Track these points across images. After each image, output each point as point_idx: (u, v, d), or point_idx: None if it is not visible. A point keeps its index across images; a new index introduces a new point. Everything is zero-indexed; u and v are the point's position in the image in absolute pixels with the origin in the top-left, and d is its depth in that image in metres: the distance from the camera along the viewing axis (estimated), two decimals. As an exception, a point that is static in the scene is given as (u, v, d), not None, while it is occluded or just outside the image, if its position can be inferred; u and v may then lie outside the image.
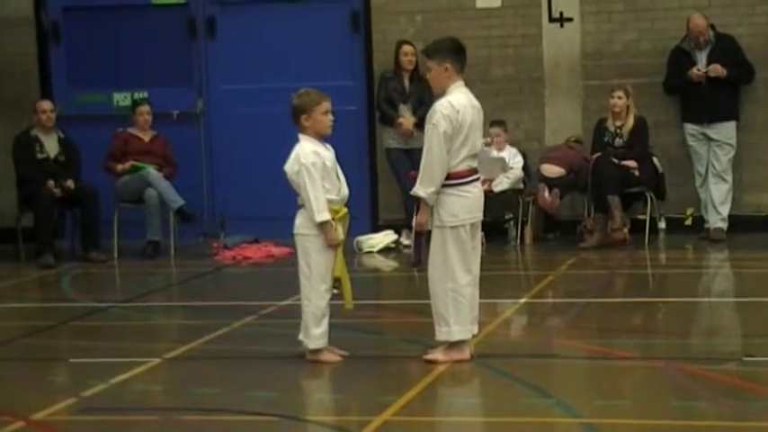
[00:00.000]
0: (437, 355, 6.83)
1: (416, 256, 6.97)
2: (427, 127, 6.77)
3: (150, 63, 12.93)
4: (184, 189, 12.05)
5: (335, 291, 7.00)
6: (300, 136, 7.00)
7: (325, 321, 6.96)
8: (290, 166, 6.95)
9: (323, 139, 7.02)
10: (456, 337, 6.77)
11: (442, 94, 6.82)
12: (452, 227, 6.74)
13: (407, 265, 7.07)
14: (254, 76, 12.67)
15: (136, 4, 12.94)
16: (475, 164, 6.85)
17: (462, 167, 6.76)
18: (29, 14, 13.11)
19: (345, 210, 7.03)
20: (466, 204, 6.77)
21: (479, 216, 6.88)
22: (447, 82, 6.81)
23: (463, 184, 6.76)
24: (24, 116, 12.31)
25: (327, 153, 7.00)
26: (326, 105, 7.00)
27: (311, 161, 6.88)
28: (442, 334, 6.82)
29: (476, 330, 6.96)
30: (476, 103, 6.88)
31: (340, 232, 6.96)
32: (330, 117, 7.01)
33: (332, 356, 7.00)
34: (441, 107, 6.74)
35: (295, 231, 7.00)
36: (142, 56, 12.94)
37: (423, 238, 6.90)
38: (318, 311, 6.93)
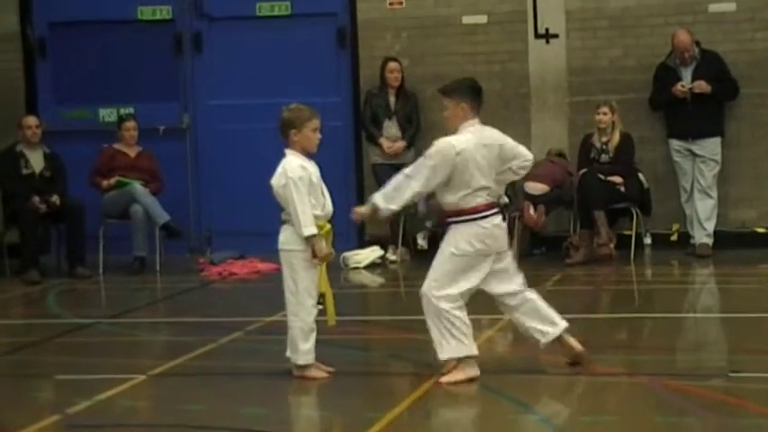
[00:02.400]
0: (457, 375, 6.76)
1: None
2: (423, 155, 6.86)
3: (136, 78, 12.93)
4: (170, 204, 12.04)
5: (320, 306, 7.00)
6: (287, 151, 7.01)
7: (313, 337, 6.95)
8: (276, 180, 6.96)
9: (309, 156, 7.04)
10: (454, 354, 6.77)
11: (455, 132, 6.90)
12: (453, 254, 6.78)
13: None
14: (241, 92, 12.68)
15: (122, 20, 12.93)
16: (491, 198, 6.88)
17: (475, 203, 6.80)
18: (15, 30, 13.10)
19: (329, 226, 7.03)
20: (473, 237, 6.79)
21: (495, 247, 6.86)
22: (461, 121, 6.89)
23: (472, 220, 6.80)
24: (10, 132, 12.28)
25: (313, 169, 7.02)
26: (317, 123, 7.03)
27: (298, 175, 6.89)
28: (442, 352, 6.81)
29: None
30: (489, 141, 6.90)
31: (327, 247, 6.96)
32: (318, 135, 7.03)
33: (319, 373, 6.99)
34: (440, 143, 6.84)
35: (280, 247, 7.01)
36: (128, 71, 12.94)
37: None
38: (306, 327, 6.92)
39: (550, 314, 7.00)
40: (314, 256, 6.89)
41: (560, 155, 12.10)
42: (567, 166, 11.98)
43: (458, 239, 6.79)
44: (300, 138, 6.97)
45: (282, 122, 7.02)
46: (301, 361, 6.95)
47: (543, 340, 6.99)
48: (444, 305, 6.74)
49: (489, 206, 6.86)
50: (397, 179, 6.87)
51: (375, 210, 6.89)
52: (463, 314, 6.78)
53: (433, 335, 6.80)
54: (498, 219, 6.90)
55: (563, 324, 6.99)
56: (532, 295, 7.00)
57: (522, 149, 7.08)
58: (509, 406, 6.36)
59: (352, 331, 8.39)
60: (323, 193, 7.04)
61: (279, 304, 7.25)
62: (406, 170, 6.90)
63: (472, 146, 6.81)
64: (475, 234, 6.78)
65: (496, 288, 6.92)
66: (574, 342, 7.01)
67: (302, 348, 6.93)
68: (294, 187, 6.85)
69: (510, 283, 6.94)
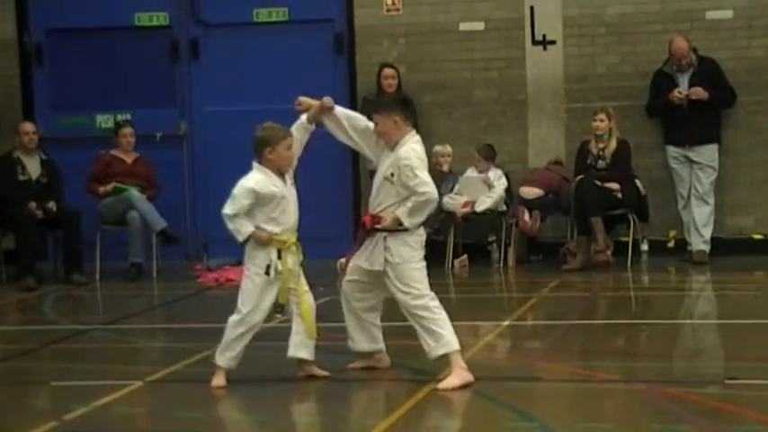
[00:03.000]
0: (450, 382, 6.78)
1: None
2: (409, 173, 6.85)
3: (133, 85, 12.94)
4: (167, 211, 12.04)
5: (279, 314, 7.05)
6: (255, 165, 7.05)
7: (239, 349, 6.98)
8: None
9: (280, 174, 7.06)
10: (451, 348, 6.82)
11: (395, 146, 6.97)
12: (411, 260, 6.92)
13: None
14: (238, 98, 12.68)
15: (119, 26, 12.94)
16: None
17: None
18: (12, 37, 13.11)
19: (294, 239, 7.04)
20: (421, 243, 7.02)
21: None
22: (398, 134, 6.99)
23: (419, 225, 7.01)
24: (6, 138, 12.29)
25: (279, 183, 7.03)
26: (290, 141, 7.09)
27: (249, 186, 6.97)
28: (436, 350, 6.86)
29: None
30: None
31: (290, 262, 6.96)
32: (291, 154, 7.08)
33: (218, 382, 6.97)
34: (412, 153, 6.92)
35: (245, 257, 7.14)
36: (125, 78, 12.94)
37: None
38: (233, 336, 6.98)
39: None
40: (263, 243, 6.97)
41: (558, 163, 12.12)
42: (564, 172, 11.99)
43: (406, 250, 6.92)
44: (275, 156, 7.03)
45: (257, 141, 7.08)
46: (218, 362, 7.04)
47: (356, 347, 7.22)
48: (427, 314, 6.87)
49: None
50: (417, 199, 6.89)
51: (400, 224, 6.94)
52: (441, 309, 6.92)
53: (421, 337, 6.88)
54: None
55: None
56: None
57: None
58: (506, 413, 6.35)
59: (346, 338, 8.38)
60: (285, 209, 7.03)
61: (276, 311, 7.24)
62: (414, 186, 6.88)
63: (424, 154, 7.02)
64: (419, 241, 6.99)
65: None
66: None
67: (227, 354, 7.01)
68: (231, 200, 6.98)
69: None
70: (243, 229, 6.98)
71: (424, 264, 7.02)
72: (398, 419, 6.21)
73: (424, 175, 6.89)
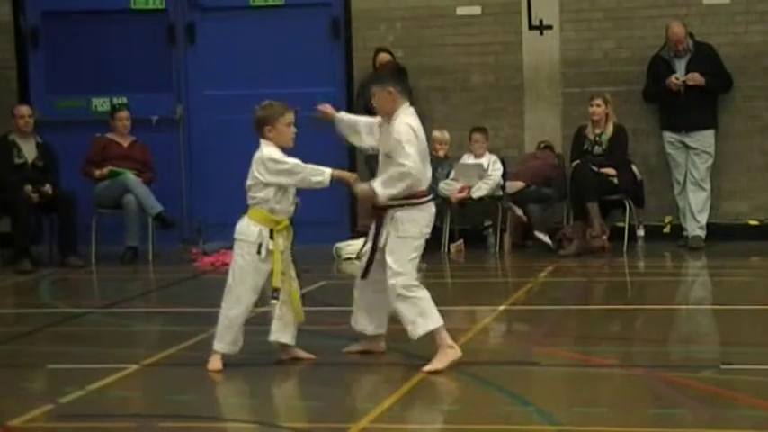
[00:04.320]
0: (435, 364, 6.78)
1: (364, 272, 7.08)
2: (397, 146, 6.81)
3: (129, 69, 12.91)
4: (163, 195, 12.03)
5: (274, 300, 7.01)
6: (262, 141, 7.02)
7: (234, 332, 6.96)
8: (257, 169, 6.98)
9: (286, 150, 7.05)
10: (433, 325, 6.81)
11: (389, 117, 6.94)
12: (413, 237, 6.86)
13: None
14: (234, 83, 12.66)
15: (115, 10, 12.91)
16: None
17: (424, 186, 6.93)
18: (8, 19, 13.07)
19: (287, 222, 7.04)
20: (429, 220, 6.94)
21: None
22: (393, 105, 6.96)
23: (425, 202, 6.94)
24: (2, 121, 12.26)
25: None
26: (290, 117, 7.04)
27: (279, 155, 6.93)
28: (416, 329, 6.85)
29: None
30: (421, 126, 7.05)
31: (283, 243, 6.95)
32: (293, 129, 7.04)
33: (214, 365, 6.96)
34: (403, 126, 6.85)
35: (235, 236, 7.09)
36: (121, 61, 12.91)
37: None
38: (227, 321, 6.96)
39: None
40: (347, 184, 7.04)
41: (548, 147, 12.07)
42: (550, 158, 11.95)
43: (411, 225, 6.85)
44: (275, 134, 7.00)
45: (256, 120, 7.05)
46: (216, 347, 7.01)
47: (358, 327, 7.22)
48: (411, 293, 6.83)
49: (428, 192, 7.00)
50: (396, 168, 6.81)
51: (373, 196, 6.87)
52: (422, 288, 6.88)
53: (404, 317, 6.86)
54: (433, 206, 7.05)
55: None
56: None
57: None
58: (502, 397, 6.36)
59: (343, 321, 8.38)
60: (287, 190, 7.04)
61: (269, 295, 7.24)
62: (400, 158, 6.81)
63: (419, 128, 6.95)
64: (425, 218, 6.92)
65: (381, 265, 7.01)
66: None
67: (225, 338, 6.99)
68: (280, 161, 6.90)
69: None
70: (320, 173, 6.89)
71: (421, 245, 6.95)
72: (394, 403, 6.22)
73: (411, 150, 6.80)
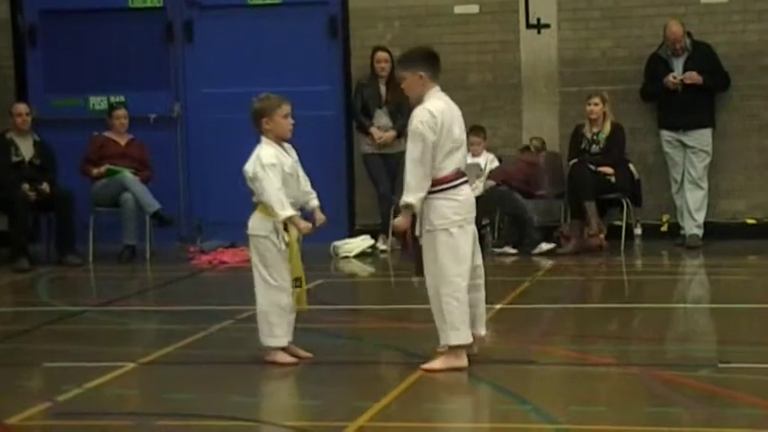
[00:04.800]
0: (435, 363, 6.77)
1: (417, 267, 6.90)
2: (409, 135, 6.76)
3: (127, 67, 12.90)
4: (161, 193, 12.02)
5: (296, 289, 7.00)
6: (262, 139, 7.03)
7: (284, 321, 6.95)
8: (250, 167, 7.00)
9: (284, 142, 7.06)
10: (452, 341, 6.74)
11: (419, 102, 6.82)
12: (443, 229, 6.71)
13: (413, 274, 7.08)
14: (232, 81, 12.64)
15: (113, 8, 12.90)
16: (461, 166, 6.83)
17: (448, 171, 6.73)
18: (5, 17, 13.06)
19: (297, 213, 7.05)
20: (453, 206, 6.73)
21: (470, 217, 6.83)
22: (422, 89, 6.81)
23: (451, 188, 6.74)
24: None
25: (288, 159, 7.04)
26: (287, 109, 7.05)
27: (270, 162, 6.93)
28: (441, 338, 6.79)
29: (483, 332, 6.95)
30: (454, 106, 6.88)
31: (293, 232, 6.96)
32: (290, 121, 7.05)
33: (287, 358, 7.00)
34: (420, 115, 6.72)
35: (248, 232, 7.06)
36: (119, 59, 12.91)
37: (417, 246, 6.84)
38: (275, 311, 6.95)
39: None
40: (299, 232, 6.94)
41: (531, 148, 11.95)
42: (530, 158, 11.87)
43: (436, 215, 6.70)
44: (273, 125, 7.01)
45: (253, 113, 7.07)
46: (278, 343, 6.98)
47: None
48: (450, 299, 6.70)
49: (459, 174, 6.80)
50: (408, 169, 6.73)
51: (411, 210, 6.75)
52: (463, 298, 6.72)
53: (437, 321, 6.77)
54: (467, 188, 6.84)
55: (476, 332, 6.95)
56: (482, 292, 6.98)
57: None
58: (499, 396, 6.36)
59: (341, 320, 8.40)
60: (298, 182, 7.06)
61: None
62: (407, 156, 6.77)
63: (447, 110, 6.78)
64: (451, 206, 6.72)
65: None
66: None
67: (277, 332, 6.97)
68: (265, 174, 6.89)
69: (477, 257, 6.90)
70: (283, 208, 6.88)
71: (456, 235, 6.70)
72: (391, 402, 6.22)
73: (417, 143, 6.65)
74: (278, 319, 6.96)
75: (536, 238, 11.52)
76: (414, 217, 6.79)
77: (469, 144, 11.90)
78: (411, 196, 6.69)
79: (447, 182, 6.73)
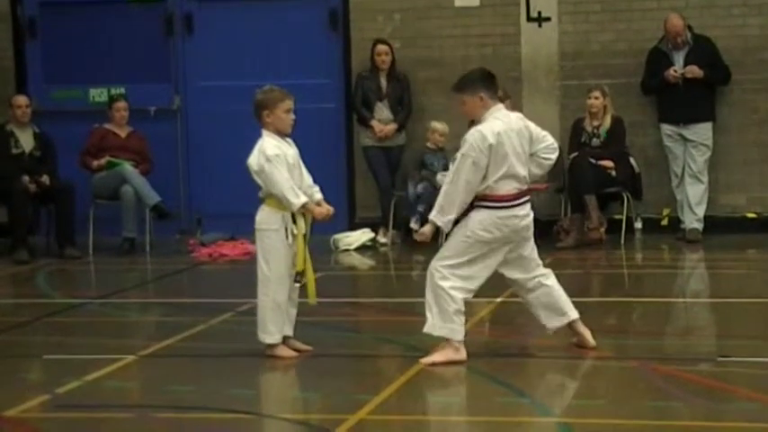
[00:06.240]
0: (434, 357, 6.77)
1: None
2: (458, 155, 6.78)
3: (127, 59, 12.89)
4: (161, 186, 12.02)
5: (297, 284, 7.01)
6: (264, 131, 7.03)
7: (277, 318, 6.95)
8: (254, 160, 6.98)
9: (285, 136, 7.06)
10: (436, 332, 6.75)
11: (480, 121, 6.84)
12: (473, 233, 6.72)
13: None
14: (232, 73, 12.64)
15: (113, 0, 12.88)
16: (522, 187, 6.81)
17: (504, 190, 6.73)
18: (5, 10, 13.05)
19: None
20: (495, 225, 6.73)
21: (515, 237, 6.80)
22: (483, 111, 6.84)
23: (502, 207, 6.73)
24: (0, 111, 12.25)
25: (290, 150, 7.03)
26: (289, 104, 7.04)
27: (274, 153, 6.93)
28: (426, 326, 6.80)
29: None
30: (517, 125, 6.87)
31: (306, 225, 6.96)
32: (292, 116, 7.05)
33: (288, 352, 7.00)
34: (471, 137, 6.74)
35: (256, 227, 7.05)
36: (119, 52, 12.89)
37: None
38: (276, 306, 6.95)
39: (561, 305, 6.98)
40: (313, 220, 6.97)
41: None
42: None
43: (476, 224, 6.73)
44: (273, 119, 7.00)
45: (255, 104, 7.06)
46: (269, 340, 6.99)
47: (549, 326, 7.03)
48: (444, 283, 6.72)
49: (518, 195, 6.78)
50: (444, 189, 6.76)
51: (437, 227, 6.81)
52: (460, 297, 6.74)
53: (426, 307, 6.79)
54: (526, 208, 6.82)
55: (573, 315, 6.99)
56: (550, 282, 6.97)
57: (545, 133, 7.04)
58: (499, 389, 6.37)
59: (341, 313, 8.40)
60: (301, 175, 7.07)
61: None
62: (447, 176, 6.80)
63: (504, 132, 6.76)
64: (493, 221, 6.72)
65: (511, 273, 6.92)
66: (584, 331, 7.02)
67: (270, 328, 6.97)
68: (272, 165, 6.88)
69: (526, 272, 6.91)
70: (296, 195, 6.88)
71: (471, 246, 6.73)
72: (391, 395, 6.22)
73: (462, 165, 6.65)
74: (272, 315, 6.95)
75: None
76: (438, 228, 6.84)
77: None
78: (440, 218, 6.73)
79: (503, 201, 6.73)
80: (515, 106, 12.32)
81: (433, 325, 6.77)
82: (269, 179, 6.91)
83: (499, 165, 6.71)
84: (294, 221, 6.95)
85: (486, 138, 6.70)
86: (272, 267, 6.96)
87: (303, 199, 6.91)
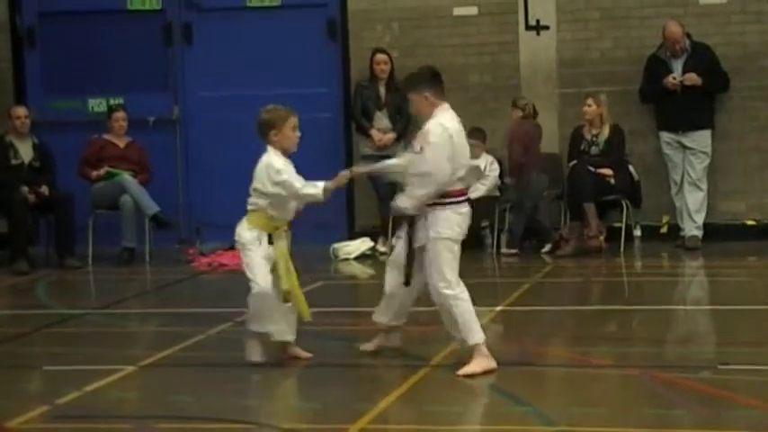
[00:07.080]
0: (472, 367, 6.75)
1: (406, 277, 7.00)
2: (424, 146, 6.78)
3: (126, 69, 12.90)
4: (160, 195, 12.02)
5: (288, 303, 7.04)
6: (269, 148, 7.03)
7: (265, 311, 6.98)
8: (264, 179, 6.98)
9: (287, 155, 7.07)
10: (473, 340, 6.78)
11: (429, 119, 6.91)
12: (449, 238, 6.79)
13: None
14: (231, 83, 12.65)
15: (112, 10, 12.90)
16: (465, 182, 6.95)
17: (458, 186, 6.85)
18: (4, 20, 13.06)
19: (285, 226, 7.08)
20: (458, 220, 6.84)
21: (464, 233, 6.94)
22: (431, 109, 6.92)
23: (459, 202, 6.85)
24: (-1, 122, 12.26)
25: (292, 167, 7.05)
26: (295, 121, 7.06)
27: (284, 162, 6.97)
28: (459, 342, 6.84)
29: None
30: (459, 125, 6.97)
31: (283, 245, 6.99)
32: (298, 133, 7.05)
33: (259, 351, 7.03)
34: (434, 128, 6.80)
35: (236, 239, 7.10)
36: (118, 62, 12.90)
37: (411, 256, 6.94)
38: (256, 307, 6.99)
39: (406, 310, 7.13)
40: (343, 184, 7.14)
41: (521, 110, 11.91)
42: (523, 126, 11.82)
43: (444, 225, 6.79)
44: (281, 137, 7.01)
45: (261, 124, 7.05)
46: (250, 326, 7.06)
47: (376, 319, 7.21)
48: (450, 292, 6.78)
49: (465, 191, 6.93)
50: (420, 171, 6.80)
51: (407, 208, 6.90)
52: (466, 294, 6.83)
53: (449, 328, 6.83)
54: (468, 206, 6.95)
55: (400, 322, 7.17)
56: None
57: None
58: (499, 398, 6.36)
59: (341, 322, 8.40)
60: (286, 203, 7.08)
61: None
62: (421, 164, 6.80)
63: (457, 126, 6.90)
64: (456, 220, 6.82)
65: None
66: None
67: (258, 322, 7.03)
68: (284, 177, 6.91)
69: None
70: (313, 186, 6.93)
71: (458, 248, 6.86)
72: (392, 404, 6.22)
73: (430, 153, 6.74)
74: (260, 304, 6.98)
75: (549, 232, 11.54)
76: (410, 228, 6.87)
77: (476, 147, 11.94)
78: (409, 202, 6.80)
79: (456, 195, 6.83)
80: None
81: (464, 339, 6.79)
82: (286, 187, 6.92)
83: (458, 157, 6.84)
84: (270, 242, 6.96)
85: (447, 128, 6.82)
86: (256, 274, 7.00)
87: (321, 187, 6.93)
